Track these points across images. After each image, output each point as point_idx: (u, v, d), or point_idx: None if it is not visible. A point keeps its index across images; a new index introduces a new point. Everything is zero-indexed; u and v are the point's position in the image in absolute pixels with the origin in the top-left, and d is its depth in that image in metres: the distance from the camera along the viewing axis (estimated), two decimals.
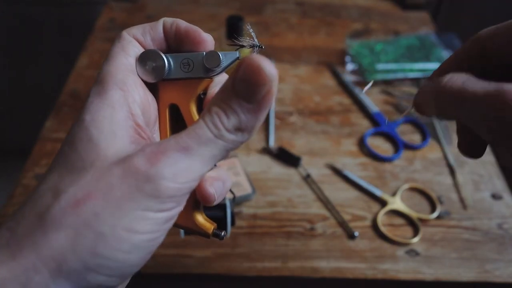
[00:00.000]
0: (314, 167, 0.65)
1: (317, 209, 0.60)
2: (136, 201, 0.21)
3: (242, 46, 0.28)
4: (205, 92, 0.29)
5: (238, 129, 0.23)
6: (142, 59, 0.27)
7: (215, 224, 0.29)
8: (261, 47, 0.29)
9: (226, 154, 0.24)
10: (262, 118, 0.23)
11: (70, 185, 0.22)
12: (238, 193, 0.59)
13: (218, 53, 0.27)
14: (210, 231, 0.28)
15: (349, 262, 0.54)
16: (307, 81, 0.80)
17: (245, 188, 0.60)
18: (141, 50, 0.27)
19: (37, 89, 1.29)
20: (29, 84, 1.32)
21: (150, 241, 0.22)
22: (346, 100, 0.77)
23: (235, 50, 0.28)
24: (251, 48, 0.28)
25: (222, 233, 0.29)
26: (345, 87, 0.79)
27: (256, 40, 0.29)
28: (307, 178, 0.63)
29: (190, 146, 0.22)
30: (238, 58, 0.28)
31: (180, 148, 0.22)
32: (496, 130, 0.23)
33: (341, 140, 0.70)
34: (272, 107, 0.73)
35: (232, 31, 0.73)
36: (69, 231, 0.21)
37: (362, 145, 0.69)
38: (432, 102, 0.27)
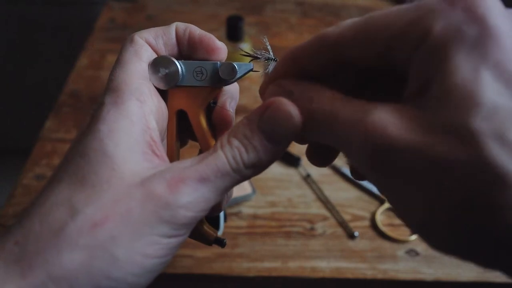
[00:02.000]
0: (314, 167, 0.65)
1: (317, 209, 0.60)
2: (153, 227, 0.21)
3: (257, 58, 0.28)
4: (215, 102, 0.29)
5: (254, 165, 0.23)
6: (155, 66, 0.26)
7: (217, 232, 0.29)
8: (276, 60, 0.28)
9: (235, 185, 0.24)
10: (278, 158, 0.24)
11: (86, 204, 0.21)
12: (238, 193, 0.59)
13: (234, 64, 0.27)
14: (212, 238, 0.29)
15: (349, 262, 0.54)
16: None
17: (245, 188, 0.60)
18: (153, 54, 0.27)
19: (37, 89, 1.29)
20: (29, 84, 1.32)
21: (160, 264, 0.23)
22: None
23: (249, 62, 0.28)
24: (266, 61, 0.28)
25: (224, 240, 0.29)
26: None
27: (271, 53, 0.28)
28: (307, 178, 0.63)
29: (208, 177, 0.22)
30: (251, 69, 0.28)
31: (199, 178, 0.22)
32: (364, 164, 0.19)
33: None
34: None
35: (232, 31, 0.73)
36: (84, 252, 0.20)
37: None
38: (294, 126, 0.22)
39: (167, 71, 0.26)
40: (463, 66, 0.17)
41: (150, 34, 0.27)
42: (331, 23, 0.94)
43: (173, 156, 0.28)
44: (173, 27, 0.27)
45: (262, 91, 0.25)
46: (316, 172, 0.64)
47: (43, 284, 0.20)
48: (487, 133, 0.16)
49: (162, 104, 0.27)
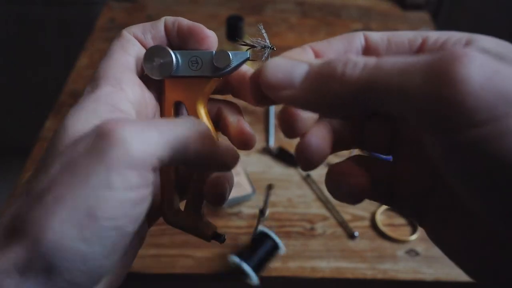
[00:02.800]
0: None
1: (317, 209, 0.60)
2: (97, 176, 0.19)
3: (253, 47, 0.28)
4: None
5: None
6: (149, 55, 0.26)
7: (216, 227, 0.28)
8: (273, 48, 0.28)
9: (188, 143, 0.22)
10: None
11: (40, 181, 0.20)
12: (238, 193, 0.59)
13: (228, 52, 0.26)
14: (210, 233, 0.28)
15: (349, 262, 0.54)
16: None
17: (245, 188, 0.60)
18: (141, 48, 0.27)
19: (37, 89, 1.29)
20: (29, 84, 1.32)
21: (114, 229, 0.20)
22: None
23: (246, 50, 0.28)
24: (263, 49, 0.28)
25: (223, 236, 0.28)
26: None
27: (268, 41, 0.28)
28: (307, 178, 0.63)
29: (156, 122, 0.22)
30: (248, 58, 0.27)
31: (146, 122, 0.21)
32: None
33: None
34: (272, 107, 0.73)
35: (232, 31, 0.73)
36: (35, 229, 0.19)
37: None
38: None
39: (161, 60, 0.26)
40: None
41: (138, 29, 0.27)
42: (331, 23, 0.94)
43: None
44: (162, 21, 0.27)
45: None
46: (316, 172, 0.64)
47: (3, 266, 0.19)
48: None
49: (148, 96, 0.27)
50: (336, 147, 0.26)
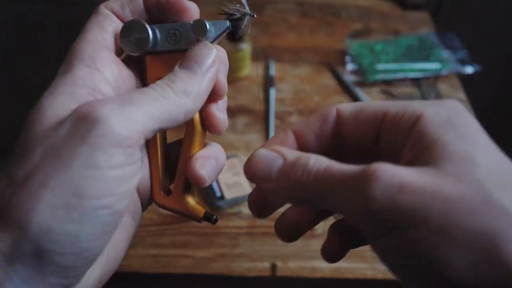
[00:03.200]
0: None
1: None
2: (82, 157, 0.19)
3: (233, 15, 0.27)
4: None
5: (184, 92, 0.23)
6: (126, 30, 0.25)
7: (206, 207, 0.28)
8: (253, 15, 0.27)
9: (174, 119, 0.23)
10: (209, 84, 0.24)
11: (18, 169, 0.20)
12: (238, 193, 0.59)
13: (205, 21, 0.25)
14: (201, 215, 0.27)
15: (349, 262, 0.54)
16: (307, 81, 0.80)
17: (245, 188, 0.60)
18: (119, 23, 0.26)
19: (37, 89, 1.29)
20: (29, 84, 1.32)
21: (103, 208, 0.20)
22: (346, 100, 0.77)
23: (225, 19, 0.27)
24: (243, 17, 0.27)
25: (214, 217, 0.27)
26: (345, 87, 0.79)
27: (247, 8, 0.27)
28: None
29: (133, 98, 0.22)
30: (228, 27, 0.26)
31: (123, 99, 0.21)
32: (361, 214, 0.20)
33: None
34: (272, 107, 0.73)
35: (232, 31, 0.73)
36: (18, 212, 0.19)
37: None
38: (287, 187, 0.23)
39: (138, 35, 0.25)
40: (458, 141, 0.21)
41: (116, 3, 0.26)
42: (331, 23, 0.94)
43: None
44: None
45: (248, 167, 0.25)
46: None
47: None
48: (490, 181, 0.19)
49: (126, 72, 0.26)
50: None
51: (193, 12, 0.26)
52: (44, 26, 1.21)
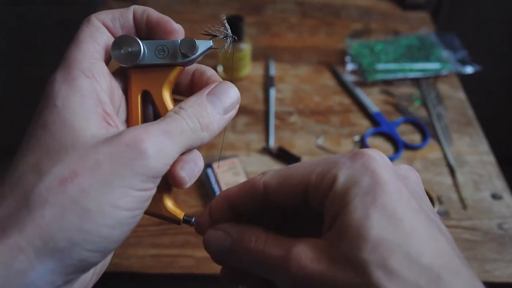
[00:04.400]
0: None
1: None
2: (123, 178, 0.22)
3: (215, 36, 0.29)
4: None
5: (207, 128, 0.26)
6: (118, 44, 0.27)
7: (183, 212, 0.29)
8: (234, 38, 0.29)
9: (193, 146, 0.26)
10: (225, 124, 0.28)
11: (52, 165, 0.22)
12: None
13: (194, 39, 0.27)
14: (181, 217, 0.29)
15: None
16: (307, 81, 0.80)
17: None
18: (110, 37, 0.27)
19: (37, 89, 1.29)
20: (29, 84, 1.32)
21: (131, 217, 0.23)
22: (346, 100, 0.77)
23: (209, 39, 0.28)
24: (224, 38, 0.29)
25: (192, 219, 0.29)
26: (345, 87, 0.79)
27: (229, 31, 0.29)
28: None
29: (170, 130, 0.24)
30: (211, 47, 0.28)
31: (163, 131, 0.24)
32: None
33: (341, 140, 0.70)
34: (272, 107, 0.73)
35: (232, 31, 0.73)
36: (55, 208, 0.21)
37: (362, 145, 0.69)
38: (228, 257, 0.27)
39: (129, 49, 0.27)
40: (357, 208, 0.23)
41: (107, 16, 0.27)
42: (331, 23, 0.94)
43: None
44: (131, 9, 0.28)
45: (200, 230, 0.29)
46: None
47: (16, 243, 0.20)
48: (373, 262, 0.21)
49: (115, 85, 0.27)
50: None
51: (180, 33, 0.28)
52: (44, 26, 1.21)
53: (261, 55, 0.84)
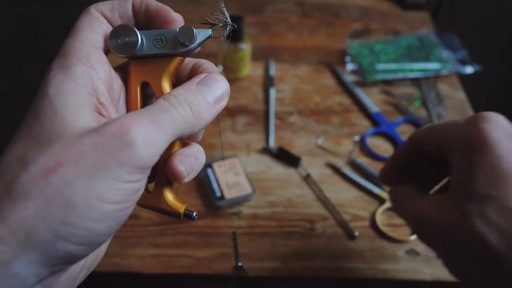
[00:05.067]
0: (314, 167, 0.65)
1: (317, 209, 0.60)
2: (108, 170, 0.21)
3: (215, 25, 0.28)
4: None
5: (199, 116, 0.26)
6: (115, 34, 0.26)
7: (186, 204, 0.28)
8: (234, 26, 0.29)
9: (183, 134, 0.25)
10: (217, 113, 0.27)
11: (38, 155, 0.21)
12: (238, 193, 0.59)
13: (192, 28, 0.27)
14: (181, 211, 0.28)
15: (349, 262, 0.54)
16: (307, 81, 0.80)
17: (245, 188, 0.60)
18: (108, 26, 0.27)
19: (37, 89, 1.29)
20: (29, 84, 1.32)
21: (119, 211, 0.23)
22: (346, 100, 0.77)
23: (208, 28, 0.28)
24: (224, 27, 0.29)
25: (194, 213, 0.28)
26: (345, 87, 0.79)
27: (228, 18, 0.29)
28: (307, 178, 0.63)
29: (159, 119, 0.23)
30: (211, 36, 0.28)
31: (150, 120, 0.23)
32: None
33: (341, 140, 0.70)
34: (272, 107, 0.73)
35: (232, 31, 0.73)
36: (39, 200, 0.20)
37: (362, 145, 0.69)
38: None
39: (127, 39, 0.26)
40: (466, 166, 0.32)
41: (106, 6, 0.27)
42: (331, 23, 0.94)
43: None
44: (129, 0, 0.27)
45: (384, 177, 0.43)
46: (316, 172, 0.64)
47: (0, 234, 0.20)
48: (475, 213, 0.31)
49: (114, 74, 0.27)
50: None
51: (179, 23, 0.28)
52: (44, 26, 1.21)
53: (261, 55, 0.84)
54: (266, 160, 0.66)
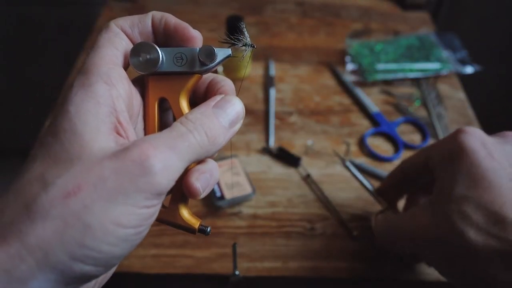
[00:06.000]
0: (314, 167, 0.65)
1: (317, 209, 0.60)
2: (126, 195, 0.22)
3: (235, 44, 0.28)
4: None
5: (214, 141, 0.26)
6: (136, 51, 0.27)
7: (201, 220, 0.29)
8: (253, 46, 0.29)
9: (198, 159, 0.26)
10: (231, 136, 0.28)
11: (57, 177, 0.22)
12: (238, 193, 0.59)
13: (213, 48, 0.27)
14: (196, 226, 0.28)
15: (349, 262, 0.54)
16: (307, 81, 0.80)
17: (245, 188, 0.60)
18: (128, 42, 0.27)
19: (37, 89, 1.29)
20: (29, 84, 1.32)
21: (134, 235, 0.23)
22: (346, 100, 0.77)
23: (228, 48, 0.28)
24: (244, 47, 0.29)
25: (208, 229, 0.29)
26: (345, 87, 0.79)
27: (249, 39, 0.29)
28: (307, 178, 0.63)
29: (177, 145, 0.24)
30: (230, 55, 0.28)
31: (169, 146, 0.23)
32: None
33: (341, 140, 0.70)
34: (272, 107, 0.73)
35: (232, 31, 0.73)
36: (57, 221, 0.21)
37: (362, 145, 0.69)
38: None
39: (148, 56, 0.27)
40: (446, 173, 0.37)
41: (126, 22, 0.27)
42: (331, 23, 0.94)
43: None
44: (149, 16, 0.28)
45: (380, 192, 0.53)
46: (316, 172, 0.64)
47: (18, 252, 0.20)
48: (454, 212, 0.35)
49: (134, 90, 0.27)
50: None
51: (198, 40, 0.28)
52: (44, 26, 1.21)
53: (261, 55, 0.84)
54: (266, 160, 0.66)
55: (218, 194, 0.59)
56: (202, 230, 0.29)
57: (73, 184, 0.21)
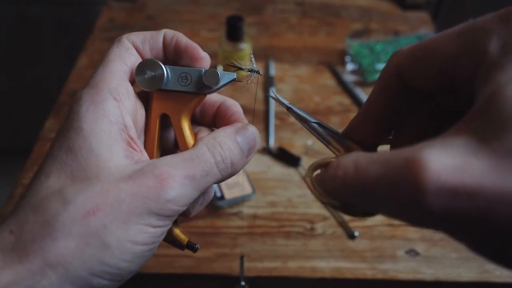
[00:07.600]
0: None
1: (317, 209, 0.60)
2: (142, 217, 0.23)
3: (240, 69, 0.29)
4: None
5: (232, 165, 0.27)
6: (142, 68, 0.27)
7: (189, 237, 0.31)
8: (258, 72, 0.30)
9: (213, 184, 0.27)
10: (243, 166, 0.28)
11: (76, 195, 0.23)
12: (238, 193, 0.59)
13: (218, 71, 0.28)
14: (185, 243, 0.30)
15: (349, 262, 0.54)
16: (307, 81, 0.80)
17: (245, 188, 0.60)
18: (138, 58, 0.28)
19: (37, 89, 1.29)
20: (29, 84, 1.32)
21: (148, 251, 0.25)
22: (346, 100, 0.77)
23: (233, 71, 0.29)
24: (249, 72, 0.29)
25: (196, 246, 0.31)
26: (345, 87, 0.79)
27: (255, 65, 0.30)
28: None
29: (195, 175, 0.25)
30: (234, 79, 0.29)
31: (186, 176, 0.24)
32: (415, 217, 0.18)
33: None
34: (272, 107, 0.73)
35: (232, 31, 0.73)
36: (78, 239, 0.22)
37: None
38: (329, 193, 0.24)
39: (153, 73, 0.27)
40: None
41: (138, 37, 0.28)
42: (331, 23, 0.94)
43: (153, 158, 0.28)
44: (161, 33, 0.28)
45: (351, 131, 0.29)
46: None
47: (41, 269, 0.21)
48: None
49: (139, 105, 0.28)
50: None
51: (206, 61, 0.28)
52: (44, 26, 1.21)
53: (261, 55, 0.84)
54: (266, 160, 0.66)
55: (218, 194, 0.59)
56: (190, 246, 0.31)
57: (91, 204, 0.22)
